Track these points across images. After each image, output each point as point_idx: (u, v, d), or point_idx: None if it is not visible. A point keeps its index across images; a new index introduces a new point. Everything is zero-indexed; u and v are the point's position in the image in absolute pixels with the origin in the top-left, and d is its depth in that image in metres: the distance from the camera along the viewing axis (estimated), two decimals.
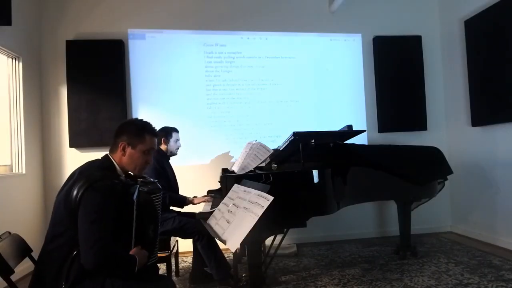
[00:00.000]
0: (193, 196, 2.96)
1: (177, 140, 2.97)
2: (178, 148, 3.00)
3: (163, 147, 2.92)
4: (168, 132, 2.93)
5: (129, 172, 1.59)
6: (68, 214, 1.35)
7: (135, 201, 1.41)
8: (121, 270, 1.38)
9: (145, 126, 1.61)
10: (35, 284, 1.40)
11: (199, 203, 2.88)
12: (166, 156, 2.94)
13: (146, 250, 1.47)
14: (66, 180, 1.47)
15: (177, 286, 2.81)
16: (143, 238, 1.49)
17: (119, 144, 1.55)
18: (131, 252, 1.41)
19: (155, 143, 1.64)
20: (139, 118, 1.69)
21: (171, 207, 2.88)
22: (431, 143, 3.48)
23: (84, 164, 1.52)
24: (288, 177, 2.17)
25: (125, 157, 1.55)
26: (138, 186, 1.48)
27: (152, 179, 1.64)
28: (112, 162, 1.54)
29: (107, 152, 1.58)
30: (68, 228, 1.35)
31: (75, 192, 1.34)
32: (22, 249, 1.58)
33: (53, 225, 1.42)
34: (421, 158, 3.02)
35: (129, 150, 1.55)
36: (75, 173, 1.46)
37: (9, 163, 3.24)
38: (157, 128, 2.91)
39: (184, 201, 2.85)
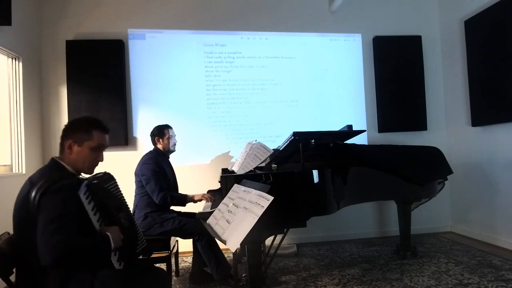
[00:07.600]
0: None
1: (172, 136, 2.96)
2: (174, 144, 2.99)
3: (159, 146, 2.93)
4: (160, 130, 2.93)
5: (81, 171, 1.51)
6: (27, 222, 1.30)
7: (84, 196, 1.35)
8: (94, 256, 1.33)
9: (93, 122, 1.52)
10: None
11: (199, 200, 2.88)
12: (164, 155, 2.95)
13: (127, 238, 1.44)
14: (19, 192, 1.41)
15: (177, 286, 2.82)
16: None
17: (65, 144, 1.47)
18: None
19: (105, 140, 1.54)
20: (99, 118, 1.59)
21: (172, 207, 2.89)
22: (431, 143, 3.48)
23: (34, 173, 1.44)
24: (288, 177, 2.16)
25: (72, 156, 1.46)
26: (86, 181, 1.42)
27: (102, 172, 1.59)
28: (60, 163, 1.46)
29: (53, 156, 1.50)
30: (30, 237, 1.27)
31: (32, 199, 1.28)
32: None
33: (17, 238, 1.39)
34: (421, 158, 3.02)
35: (75, 148, 1.46)
36: (26, 183, 1.40)
37: (9, 163, 3.24)
38: (151, 128, 2.94)
39: (185, 199, 2.85)
